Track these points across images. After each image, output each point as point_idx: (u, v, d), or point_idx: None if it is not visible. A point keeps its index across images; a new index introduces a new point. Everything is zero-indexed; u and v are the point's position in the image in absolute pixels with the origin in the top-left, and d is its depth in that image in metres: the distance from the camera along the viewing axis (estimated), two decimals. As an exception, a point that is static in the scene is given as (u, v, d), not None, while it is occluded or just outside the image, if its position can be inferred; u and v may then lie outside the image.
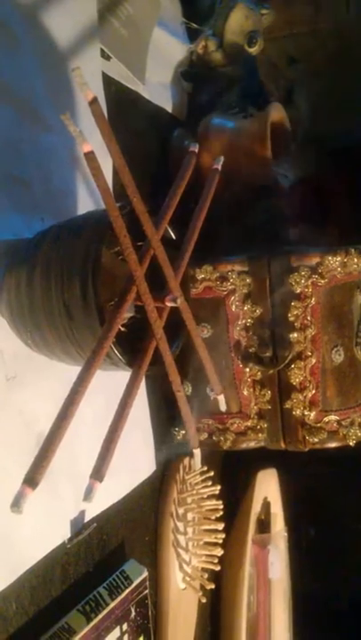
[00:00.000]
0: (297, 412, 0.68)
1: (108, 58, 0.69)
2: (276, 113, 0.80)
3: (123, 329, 0.46)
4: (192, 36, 0.89)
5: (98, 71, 0.66)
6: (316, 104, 1.06)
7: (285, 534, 0.94)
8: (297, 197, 0.85)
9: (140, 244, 0.45)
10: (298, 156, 0.88)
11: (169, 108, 0.85)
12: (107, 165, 0.46)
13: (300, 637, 0.98)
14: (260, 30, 0.87)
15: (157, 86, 0.82)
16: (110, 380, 0.46)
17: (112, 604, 0.58)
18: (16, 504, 0.32)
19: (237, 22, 0.85)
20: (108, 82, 0.69)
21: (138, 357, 0.43)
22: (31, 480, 0.33)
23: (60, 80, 0.60)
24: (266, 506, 0.93)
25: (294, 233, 0.83)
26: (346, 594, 1.06)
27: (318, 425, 0.67)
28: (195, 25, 0.88)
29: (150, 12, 0.78)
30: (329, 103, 1.05)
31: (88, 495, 0.36)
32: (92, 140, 0.37)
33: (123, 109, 0.73)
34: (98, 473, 0.37)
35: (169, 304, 0.44)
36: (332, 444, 0.67)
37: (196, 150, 0.52)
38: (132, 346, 0.47)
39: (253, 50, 0.86)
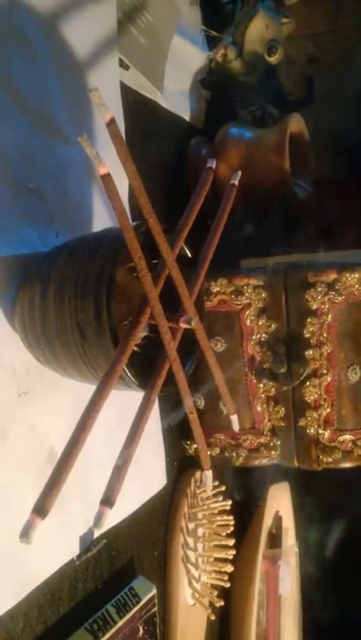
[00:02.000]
0: (311, 431, 0.66)
1: (126, 67, 0.69)
2: (296, 123, 0.79)
3: (136, 349, 0.45)
4: (211, 43, 0.88)
5: (116, 81, 0.66)
6: (335, 103, 1.06)
7: (296, 550, 0.92)
8: (313, 199, 0.84)
9: (155, 262, 0.45)
10: (315, 155, 0.87)
11: (187, 117, 0.84)
12: (124, 181, 0.46)
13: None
14: (280, 39, 0.86)
15: (176, 94, 0.82)
16: (123, 393, 0.46)
17: (120, 623, 0.57)
18: (25, 534, 0.31)
19: (258, 31, 0.84)
20: (126, 91, 0.69)
21: (151, 379, 0.42)
22: (40, 509, 0.32)
23: (78, 91, 0.59)
24: (277, 520, 0.92)
25: (310, 241, 0.82)
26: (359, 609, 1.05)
27: (333, 444, 0.66)
28: (214, 33, 0.88)
29: (170, 20, 0.77)
30: (348, 102, 1.05)
31: (98, 522, 0.35)
32: (110, 153, 0.36)
33: (141, 118, 0.72)
34: (108, 499, 0.36)
35: (183, 325, 0.43)
36: (347, 464, 0.66)
37: (214, 166, 0.51)
38: (145, 365, 0.47)
39: (273, 59, 0.86)
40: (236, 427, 0.52)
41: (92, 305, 0.40)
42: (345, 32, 1.07)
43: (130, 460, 0.37)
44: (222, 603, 0.70)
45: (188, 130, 0.84)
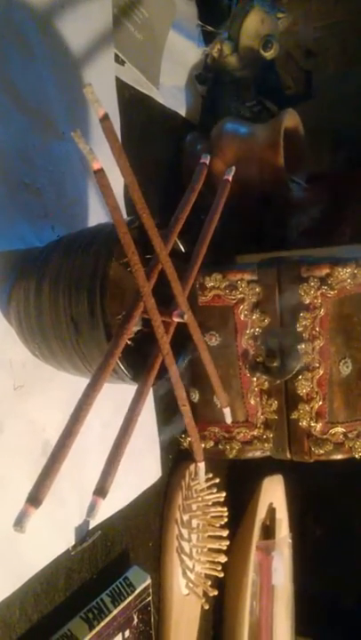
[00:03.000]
0: (303, 423, 0.67)
1: (122, 63, 0.69)
2: (290, 119, 0.80)
3: (129, 342, 0.46)
4: (207, 38, 0.88)
5: (112, 77, 0.66)
6: (333, 96, 1.06)
7: (290, 540, 0.94)
8: (310, 194, 0.84)
9: (148, 257, 0.45)
10: (313, 150, 0.88)
11: (183, 112, 0.84)
12: (119, 176, 0.46)
13: (303, 638, 0.98)
14: (275, 34, 0.86)
15: (171, 89, 0.82)
16: (120, 386, 0.46)
17: (115, 612, 0.58)
18: (19, 523, 0.32)
19: (253, 26, 0.84)
20: (122, 87, 0.69)
21: (144, 372, 0.43)
22: (34, 499, 0.33)
23: (74, 87, 0.60)
24: (271, 512, 0.93)
25: (305, 234, 0.83)
26: (350, 597, 1.06)
27: (324, 436, 0.67)
28: (210, 28, 0.88)
29: (166, 16, 0.78)
30: (346, 96, 1.05)
31: (91, 512, 0.36)
32: (105, 149, 0.37)
33: (136, 114, 0.73)
34: (101, 490, 0.37)
35: (176, 319, 0.44)
36: (338, 456, 0.67)
37: (208, 162, 0.52)
38: (139, 358, 0.47)
39: (269, 54, 0.86)
40: (228, 419, 0.53)
41: (85, 300, 0.41)
42: (344, 26, 1.07)
43: (122, 452, 0.38)
44: (216, 592, 0.71)
45: (183, 125, 0.85)
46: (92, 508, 0.36)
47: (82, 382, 0.42)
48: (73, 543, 0.57)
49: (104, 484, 0.37)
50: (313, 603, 1.00)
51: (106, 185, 0.37)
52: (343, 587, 1.05)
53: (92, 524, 0.60)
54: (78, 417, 0.35)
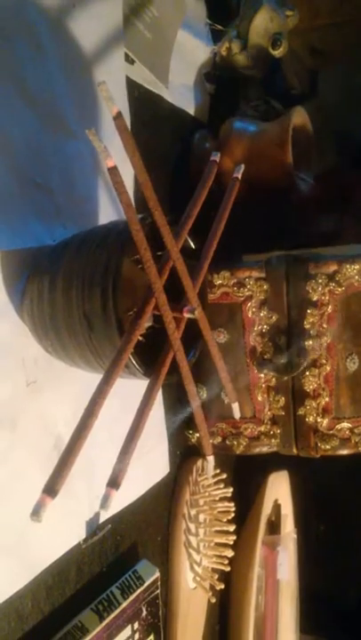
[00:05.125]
0: (310, 419, 0.68)
1: (132, 62, 0.70)
2: (299, 117, 0.80)
3: (141, 338, 0.47)
4: (216, 37, 0.89)
5: (122, 75, 0.67)
6: (339, 96, 1.06)
7: (295, 536, 0.94)
8: (316, 193, 0.85)
9: (159, 253, 0.46)
10: (319, 149, 0.88)
11: (191, 111, 0.85)
12: (128, 174, 0.47)
13: (308, 635, 0.99)
14: (284, 32, 0.86)
15: (180, 88, 0.83)
16: (127, 383, 0.47)
17: (124, 604, 0.59)
18: (35, 513, 0.33)
19: (262, 24, 0.85)
20: (132, 86, 0.70)
21: (155, 368, 0.43)
22: (50, 489, 0.33)
23: (85, 85, 0.60)
24: (276, 507, 0.93)
25: (313, 233, 0.83)
26: (354, 593, 1.07)
27: (331, 432, 0.68)
28: (219, 26, 0.88)
29: (175, 15, 0.78)
30: (352, 95, 1.05)
31: (105, 503, 0.37)
32: (115, 146, 0.37)
33: (146, 112, 0.73)
34: (114, 481, 0.37)
35: (187, 315, 0.44)
36: (344, 452, 0.68)
37: (218, 160, 0.52)
38: (150, 354, 0.48)
39: (277, 52, 0.86)
40: (237, 414, 0.53)
41: (98, 296, 0.42)
42: (350, 24, 1.07)
43: (135, 444, 0.39)
44: (222, 586, 0.72)
45: (192, 124, 0.85)
46: (105, 500, 0.37)
47: (93, 378, 0.43)
48: (84, 537, 0.58)
49: (117, 475, 0.37)
50: (317, 599, 1.01)
51: (120, 182, 0.37)
52: (347, 583, 1.06)
53: (103, 517, 0.60)
54: (93, 410, 0.36)
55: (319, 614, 1.02)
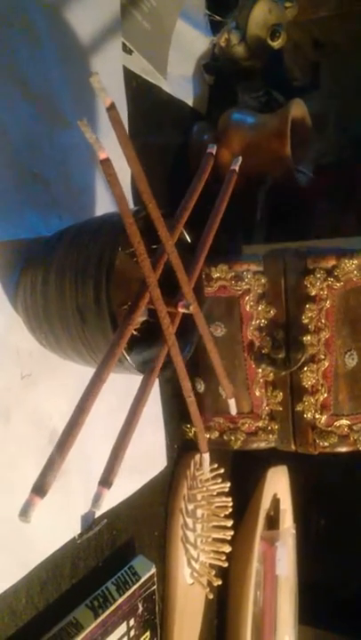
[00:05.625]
0: (308, 415, 0.67)
1: (129, 52, 0.69)
2: (297, 109, 0.79)
3: (135, 333, 0.46)
4: (215, 28, 0.88)
5: (119, 66, 0.66)
6: (341, 88, 1.05)
7: (294, 531, 0.94)
8: (318, 185, 0.84)
9: (155, 247, 0.45)
10: (318, 142, 0.87)
11: (190, 102, 0.84)
12: (126, 165, 0.46)
13: (306, 627, 0.99)
14: (283, 24, 0.85)
15: (179, 79, 0.82)
16: (127, 375, 0.46)
17: (120, 600, 0.59)
18: (24, 513, 0.32)
19: (261, 15, 0.84)
20: (129, 76, 0.69)
21: (149, 363, 0.43)
22: (40, 489, 0.33)
23: (82, 76, 0.60)
24: (275, 502, 0.93)
25: (313, 224, 0.82)
26: (353, 586, 1.07)
27: (329, 429, 0.67)
28: (218, 17, 0.87)
29: (174, 5, 0.77)
30: (354, 87, 1.04)
31: (96, 502, 0.36)
32: (113, 138, 0.37)
33: (144, 103, 0.73)
34: (106, 480, 0.37)
35: (182, 310, 0.44)
36: (343, 449, 0.67)
37: (214, 152, 0.51)
38: (145, 348, 0.48)
39: (276, 44, 0.85)
40: (233, 410, 0.53)
41: (91, 289, 0.41)
42: (352, 16, 1.06)
43: (127, 443, 0.38)
44: (220, 582, 0.71)
45: (190, 115, 0.84)
46: (97, 499, 0.36)
47: (89, 371, 0.42)
48: (79, 531, 0.57)
49: (109, 474, 0.37)
50: (316, 592, 1.01)
51: (112, 174, 0.37)
52: (347, 576, 1.06)
53: (98, 512, 0.60)
54: (84, 407, 0.36)
55: (319, 606, 1.02)
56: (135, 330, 0.47)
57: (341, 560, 1.04)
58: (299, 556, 0.95)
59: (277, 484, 0.92)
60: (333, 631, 1.04)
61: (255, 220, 0.77)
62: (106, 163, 0.36)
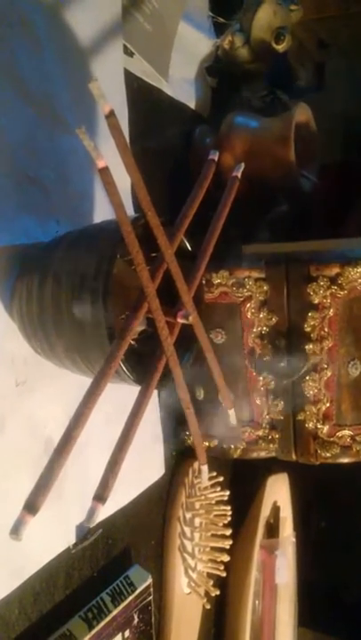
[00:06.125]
0: (310, 425, 0.66)
1: (130, 54, 0.68)
2: (302, 113, 0.78)
3: (133, 342, 0.45)
4: (219, 30, 0.87)
5: (120, 68, 0.65)
6: (345, 88, 1.04)
7: (294, 540, 0.93)
8: (318, 188, 0.83)
9: (154, 255, 0.44)
10: (323, 142, 0.86)
11: (192, 105, 0.83)
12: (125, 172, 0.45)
13: (305, 629, 0.98)
14: (288, 27, 0.84)
15: (181, 82, 0.81)
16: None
17: (115, 612, 0.58)
18: (15, 531, 0.31)
19: (265, 18, 0.83)
20: (130, 79, 0.68)
21: (147, 374, 0.42)
22: (31, 506, 0.32)
23: (82, 79, 0.59)
24: (275, 510, 0.92)
25: (313, 227, 0.81)
26: (353, 588, 1.06)
27: (331, 439, 0.66)
28: (222, 19, 0.86)
29: (176, 6, 0.76)
30: (358, 87, 1.03)
31: (90, 518, 0.35)
32: (112, 142, 0.36)
33: (145, 106, 0.72)
34: (101, 495, 0.36)
35: (181, 320, 0.43)
36: (345, 460, 0.66)
37: (216, 158, 0.50)
38: (142, 358, 0.46)
39: (281, 47, 0.84)
40: (233, 421, 0.52)
41: (88, 299, 0.40)
42: (358, 16, 1.05)
43: (123, 457, 0.37)
44: (218, 592, 0.70)
45: (192, 118, 0.83)
46: (91, 514, 0.36)
47: (86, 379, 0.41)
48: (74, 541, 0.56)
49: (104, 490, 0.36)
50: (316, 594, 1.00)
51: (110, 183, 0.36)
52: (347, 578, 1.05)
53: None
54: (78, 422, 0.35)
55: (318, 609, 1.01)
56: (132, 339, 0.46)
57: (342, 562, 1.03)
58: (298, 558, 0.94)
59: (278, 492, 0.92)
60: (333, 634, 1.04)
61: (258, 227, 0.76)
62: (104, 171, 0.35)
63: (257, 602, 0.87)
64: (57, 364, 0.49)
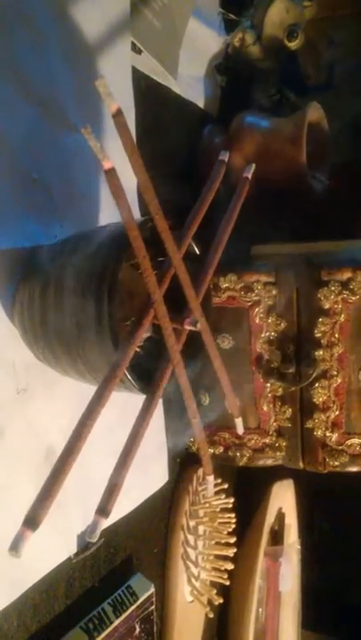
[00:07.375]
0: (318, 433, 0.65)
1: (139, 51, 0.66)
2: (314, 113, 0.76)
3: (138, 349, 0.44)
4: (229, 27, 0.85)
5: (128, 66, 0.63)
6: (355, 87, 1.03)
7: (298, 547, 0.91)
8: (329, 188, 0.81)
9: (161, 259, 0.43)
10: (333, 141, 0.85)
11: (201, 104, 0.81)
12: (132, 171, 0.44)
13: (308, 632, 0.97)
14: (301, 24, 0.82)
15: (190, 80, 0.79)
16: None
17: (116, 622, 0.56)
18: (14, 547, 0.30)
19: (277, 15, 0.81)
20: (138, 76, 0.66)
21: (153, 383, 0.40)
22: (32, 522, 0.31)
23: (88, 77, 0.57)
24: (280, 517, 0.91)
25: (323, 228, 0.79)
26: (357, 592, 1.05)
27: (340, 447, 0.64)
28: (232, 16, 0.84)
29: (186, 3, 0.74)
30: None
31: (92, 532, 0.34)
32: (119, 144, 0.34)
33: (153, 105, 0.70)
34: (103, 509, 0.35)
35: (188, 327, 0.41)
36: (354, 469, 0.65)
37: (226, 159, 0.49)
38: (148, 365, 0.45)
39: (293, 44, 0.82)
40: (240, 430, 0.51)
41: (92, 306, 0.38)
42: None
43: (127, 469, 0.36)
44: (221, 600, 0.69)
45: (201, 117, 0.82)
46: (93, 529, 0.34)
47: (88, 386, 0.40)
48: (75, 551, 0.55)
49: (107, 504, 0.35)
50: (320, 597, 0.99)
51: (117, 185, 0.34)
52: (351, 582, 1.04)
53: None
54: (80, 434, 0.33)
55: (322, 612, 1.00)
56: (138, 347, 0.44)
57: (346, 565, 1.02)
58: (302, 561, 0.93)
59: (283, 499, 0.90)
60: (336, 636, 1.03)
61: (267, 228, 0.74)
62: (110, 173, 0.34)
63: (260, 610, 0.86)
64: (59, 371, 0.47)
